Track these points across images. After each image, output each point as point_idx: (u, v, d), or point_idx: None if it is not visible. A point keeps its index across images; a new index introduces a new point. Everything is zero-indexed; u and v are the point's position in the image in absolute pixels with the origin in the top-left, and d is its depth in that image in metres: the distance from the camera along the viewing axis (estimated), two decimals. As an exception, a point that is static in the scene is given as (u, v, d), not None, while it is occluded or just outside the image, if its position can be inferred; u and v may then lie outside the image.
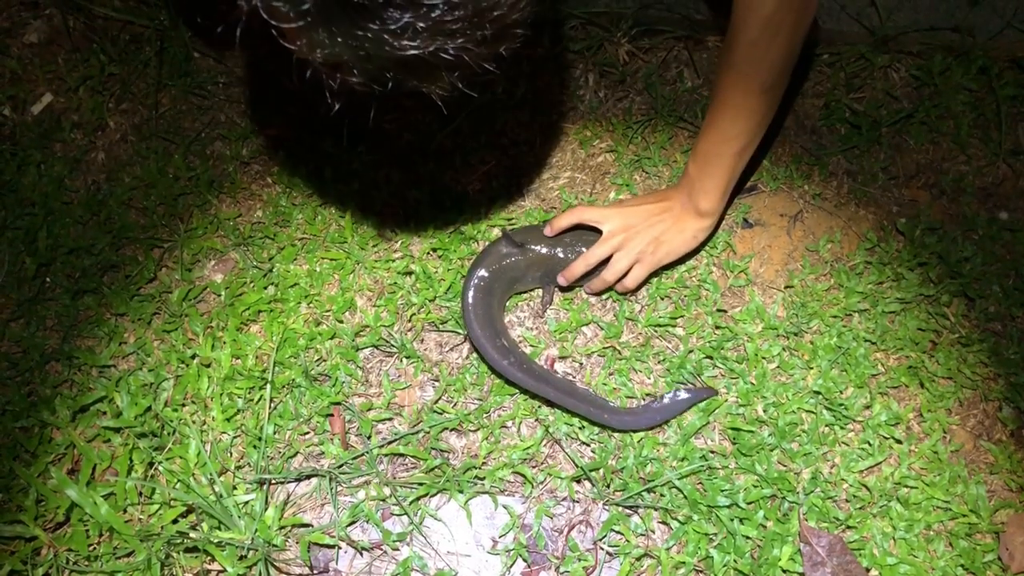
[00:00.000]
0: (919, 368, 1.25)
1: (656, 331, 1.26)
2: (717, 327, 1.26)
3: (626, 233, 1.21)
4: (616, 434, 1.17)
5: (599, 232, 1.21)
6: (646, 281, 1.26)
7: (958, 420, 1.23)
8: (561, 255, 1.23)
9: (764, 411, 1.19)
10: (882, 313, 1.28)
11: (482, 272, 1.19)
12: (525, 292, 1.29)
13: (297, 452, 1.16)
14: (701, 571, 1.10)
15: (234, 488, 1.11)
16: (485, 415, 1.19)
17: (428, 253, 1.31)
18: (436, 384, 1.22)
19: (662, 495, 1.13)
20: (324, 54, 0.67)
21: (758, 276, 1.33)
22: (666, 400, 1.17)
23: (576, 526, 1.14)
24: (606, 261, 1.22)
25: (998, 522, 1.14)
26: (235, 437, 1.16)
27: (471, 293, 1.18)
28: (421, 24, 0.63)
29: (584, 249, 1.22)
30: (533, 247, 1.23)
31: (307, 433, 1.18)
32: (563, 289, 1.27)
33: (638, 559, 1.10)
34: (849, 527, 1.13)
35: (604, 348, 1.24)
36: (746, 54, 1.05)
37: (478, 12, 0.65)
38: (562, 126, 1.47)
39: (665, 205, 1.22)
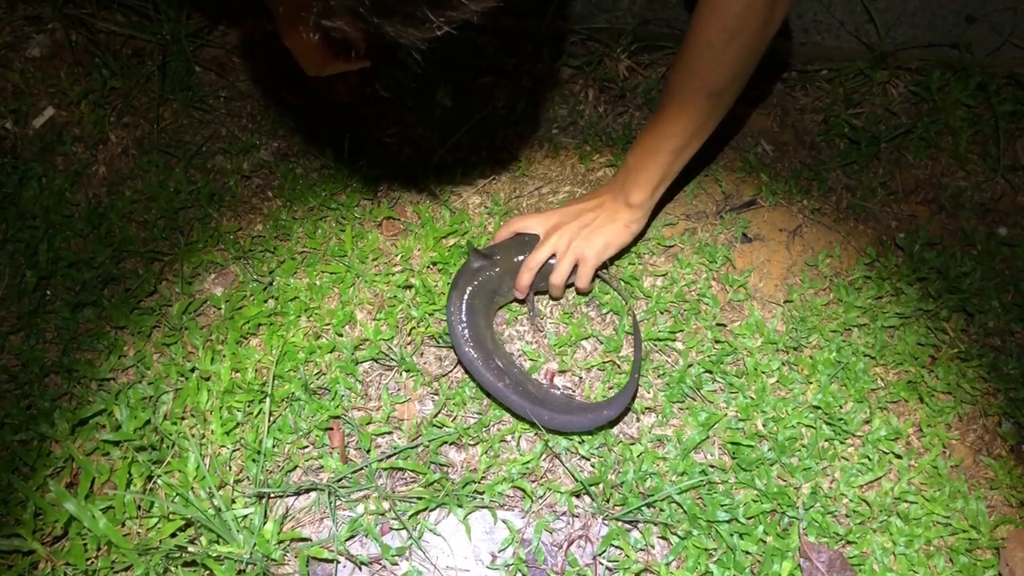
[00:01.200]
0: (918, 383, 1.25)
1: (656, 345, 1.26)
2: (716, 341, 1.26)
3: (559, 232, 1.21)
4: (616, 449, 1.17)
5: None
6: (597, 275, 1.27)
7: (958, 435, 1.23)
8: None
9: (764, 426, 1.19)
10: (881, 328, 1.28)
11: (461, 292, 1.19)
12: (507, 304, 1.29)
13: (296, 466, 1.16)
14: (701, 587, 1.09)
15: (233, 502, 1.11)
16: (484, 429, 1.19)
17: (428, 267, 1.31)
18: (435, 398, 1.22)
19: (662, 510, 1.13)
20: None
21: (757, 290, 1.33)
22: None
23: (575, 541, 1.13)
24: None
25: (998, 537, 1.13)
26: (234, 451, 1.16)
27: (454, 315, 1.18)
28: None
29: None
30: (502, 256, 1.23)
31: (306, 447, 1.18)
32: (537, 294, 1.28)
33: (638, 574, 1.09)
34: (849, 542, 1.12)
35: (604, 362, 1.24)
36: (700, 54, 1.05)
37: None
38: (562, 140, 1.47)
39: (596, 202, 1.23)
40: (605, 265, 1.27)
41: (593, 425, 1.14)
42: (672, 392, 1.21)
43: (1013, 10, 1.47)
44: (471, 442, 1.18)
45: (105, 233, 1.35)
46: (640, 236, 1.28)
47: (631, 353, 1.25)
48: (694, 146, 1.16)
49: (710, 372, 1.23)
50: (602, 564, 1.11)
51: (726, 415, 1.20)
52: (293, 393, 1.19)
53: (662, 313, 1.29)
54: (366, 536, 1.12)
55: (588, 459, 1.17)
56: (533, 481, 1.16)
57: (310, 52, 1.04)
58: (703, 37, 1.03)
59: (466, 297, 1.18)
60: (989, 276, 1.33)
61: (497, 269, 1.21)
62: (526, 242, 1.24)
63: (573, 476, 1.15)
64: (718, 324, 1.28)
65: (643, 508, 1.12)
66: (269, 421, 1.16)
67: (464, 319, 1.17)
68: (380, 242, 1.34)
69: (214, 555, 1.04)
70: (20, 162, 1.41)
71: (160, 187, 1.39)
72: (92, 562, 1.05)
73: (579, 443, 1.17)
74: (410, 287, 1.30)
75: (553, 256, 1.22)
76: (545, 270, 1.23)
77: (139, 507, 1.10)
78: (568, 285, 1.26)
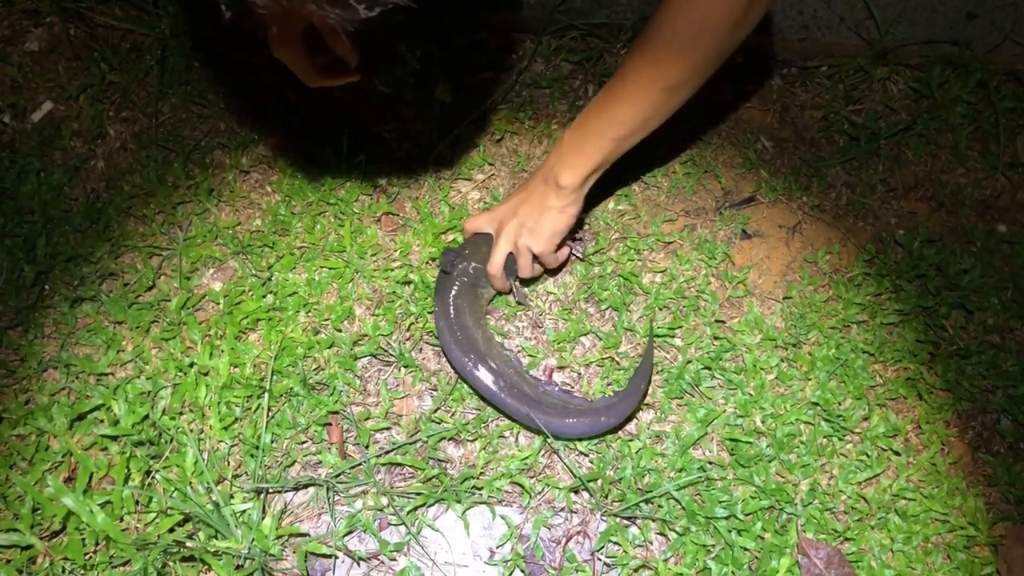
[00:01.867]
0: (917, 380, 1.25)
1: (655, 341, 1.25)
2: (716, 338, 1.26)
3: (504, 232, 1.18)
4: (614, 444, 1.17)
5: None
6: (565, 244, 1.24)
7: (956, 432, 1.23)
8: None
9: (762, 422, 1.19)
10: (880, 325, 1.28)
11: (444, 295, 1.19)
12: (493, 297, 1.28)
13: (295, 461, 1.16)
14: (699, 583, 1.09)
15: (231, 497, 1.11)
16: (483, 425, 1.19)
17: (427, 262, 1.31)
18: (434, 393, 1.22)
19: (660, 506, 1.13)
20: None
21: (757, 287, 1.33)
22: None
23: (574, 537, 1.13)
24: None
25: (996, 535, 1.14)
26: (232, 446, 1.16)
27: (442, 319, 1.18)
28: None
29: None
30: (470, 251, 1.22)
31: (305, 442, 1.18)
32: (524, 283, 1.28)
33: (636, 570, 1.10)
34: (847, 539, 1.12)
35: (603, 358, 1.24)
36: (664, 45, 0.98)
37: None
38: (561, 136, 1.47)
39: (525, 194, 1.18)
40: (573, 236, 1.26)
41: (592, 431, 1.14)
42: (671, 388, 1.21)
43: (1014, 6, 1.46)
44: (470, 438, 1.18)
45: (103, 228, 1.34)
46: (585, 211, 1.21)
47: (630, 349, 1.25)
48: (639, 136, 1.09)
49: (709, 368, 1.23)
50: (600, 560, 1.11)
51: (725, 411, 1.20)
52: (292, 388, 1.19)
53: (661, 309, 1.29)
54: (364, 531, 1.12)
55: (586, 455, 1.17)
56: (531, 477, 1.16)
57: (301, 64, 1.04)
58: (669, 27, 0.97)
59: (450, 298, 1.18)
60: (988, 273, 1.33)
61: (474, 264, 1.21)
62: (489, 235, 1.23)
63: (571, 472, 1.15)
64: (717, 320, 1.28)
65: (641, 504, 1.12)
66: (267, 416, 1.16)
67: (452, 321, 1.17)
68: (379, 237, 1.34)
69: (212, 550, 1.04)
70: (18, 156, 1.40)
71: (159, 182, 1.39)
72: (90, 557, 1.05)
73: (577, 439, 1.17)
74: (409, 283, 1.30)
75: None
76: (512, 260, 1.22)
77: (137, 502, 1.10)
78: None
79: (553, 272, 1.29)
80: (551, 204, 1.14)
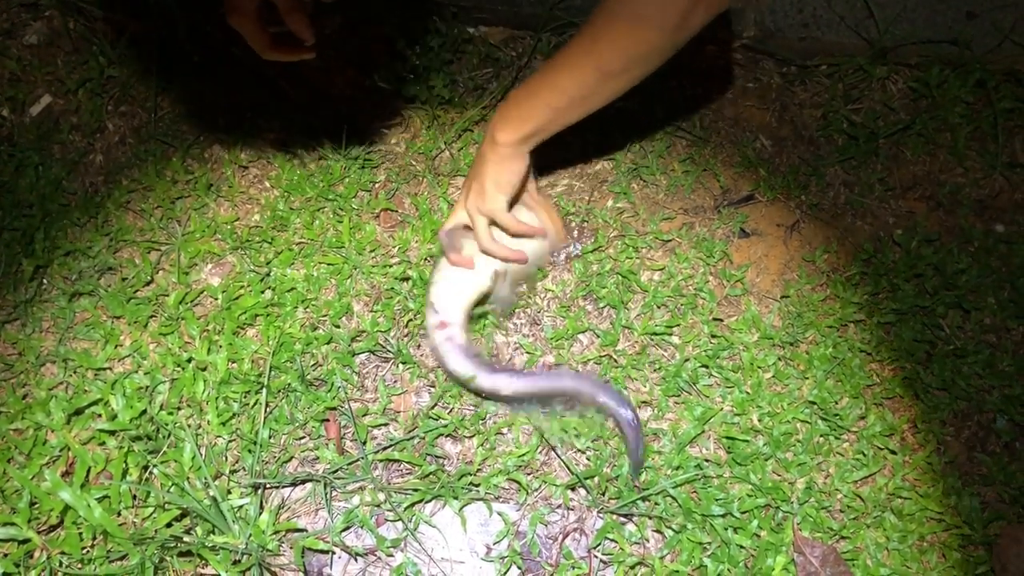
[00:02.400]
0: (914, 379, 1.25)
1: (652, 339, 1.26)
2: (713, 336, 1.26)
3: (465, 202, 1.19)
4: (611, 442, 1.17)
5: None
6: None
7: (952, 431, 1.23)
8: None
9: (759, 420, 1.20)
10: (878, 324, 1.28)
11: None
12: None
13: (292, 457, 1.16)
14: (695, 580, 1.10)
15: (229, 492, 1.11)
16: (481, 421, 1.19)
17: (426, 259, 1.31)
18: (432, 390, 1.22)
19: (657, 503, 1.13)
20: None
21: (754, 285, 1.33)
22: None
23: (570, 534, 1.14)
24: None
25: (991, 534, 1.14)
26: (230, 441, 1.16)
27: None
28: None
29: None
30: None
31: (302, 438, 1.18)
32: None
33: (632, 567, 1.10)
34: (843, 537, 1.13)
35: (600, 356, 1.24)
36: (603, 28, 0.98)
37: None
38: (560, 134, 1.46)
39: (476, 160, 1.19)
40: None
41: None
42: (668, 386, 1.21)
43: (1014, 6, 1.46)
44: (467, 434, 1.18)
45: (102, 222, 1.34)
46: (528, 165, 1.17)
47: (627, 347, 1.25)
48: (575, 113, 1.09)
49: (706, 366, 1.23)
50: (597, 557, 1.11)
51: (722, 409, 1.20)
52: (289, 384, 1.19)
53: (659, 307, 1.29)
54: (362, 527, 1.12)
55: (584, 452, 1.17)
56: (529, 474, 1.16)
57: (254, 34, 1.03)
58: (608, 13, 0.97)
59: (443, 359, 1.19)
60: (986, 273, 1.33)
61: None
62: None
63: (568, 469, 1.15)
64: (715, 319, 1.28)
65: (638, 501, 1.12)
66: (265, 412, 1.16)
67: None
68: (378, 234, 1.34)
69: (210, 545, 1.04)
70: (17, 150, 1.40)
71: (157, 176, 1.38)
72: (87, 551, 1.05)
73: (575, 436, 1.17)
74: (407, 279, 1.30)
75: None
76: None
77: (135, 497, 1.10)
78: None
79: (517, 233, 1.25)
80: (488, 157, 1.14)
